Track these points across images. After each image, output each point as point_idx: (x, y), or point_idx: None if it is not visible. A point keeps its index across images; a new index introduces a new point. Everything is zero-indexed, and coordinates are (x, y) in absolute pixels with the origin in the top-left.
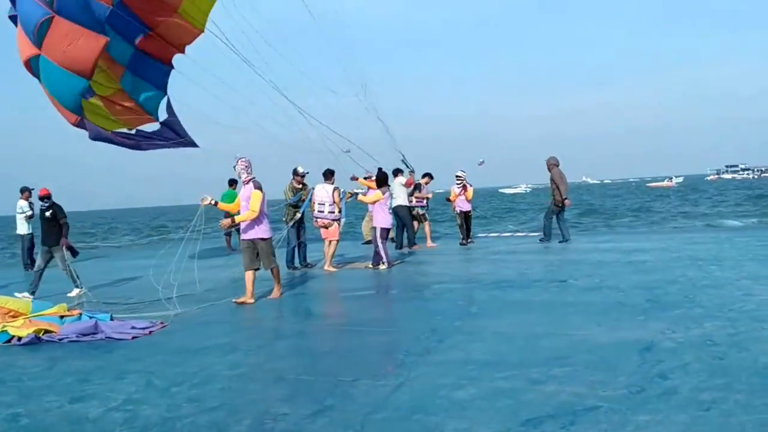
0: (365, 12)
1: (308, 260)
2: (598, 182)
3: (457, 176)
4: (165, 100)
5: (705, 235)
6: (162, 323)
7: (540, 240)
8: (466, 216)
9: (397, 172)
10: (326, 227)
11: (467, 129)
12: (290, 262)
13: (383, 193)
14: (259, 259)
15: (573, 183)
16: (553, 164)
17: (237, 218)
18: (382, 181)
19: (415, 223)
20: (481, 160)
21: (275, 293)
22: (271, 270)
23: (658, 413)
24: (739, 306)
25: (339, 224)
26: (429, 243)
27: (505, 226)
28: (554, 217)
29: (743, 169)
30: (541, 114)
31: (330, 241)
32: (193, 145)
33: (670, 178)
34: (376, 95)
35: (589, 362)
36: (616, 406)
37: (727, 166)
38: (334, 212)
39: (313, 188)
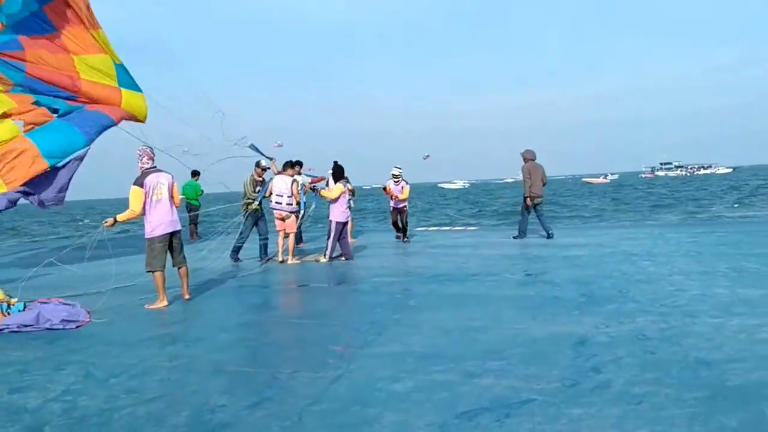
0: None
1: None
2: None
3: (393, 174)
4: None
5: (638, 231)
6: (88, 313)
7: (514, 237)
8: (400, 213)
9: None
10: (283, 219)
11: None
12: (234, 253)
13: (341, 188)
14: (174, 252)
15: (504, 181)
16: (527, 158)
17: (119, 217)
18: (339, 174)
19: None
20: (426, 154)
21: (185, 293)
22: (180, 268)
23: (591, 406)
24: (671, 301)
25: (297, 217)
26: (289, 258)
27: (444, 220)
28: (527, 213)
29: (677, 167)
30: (470, 109)
31: (287, 234)
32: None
33: (606, 175)
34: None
35: (524, 356)
36: (550, 400)
37: (661, 164)
38: (291, 204)
39: (271, 179)
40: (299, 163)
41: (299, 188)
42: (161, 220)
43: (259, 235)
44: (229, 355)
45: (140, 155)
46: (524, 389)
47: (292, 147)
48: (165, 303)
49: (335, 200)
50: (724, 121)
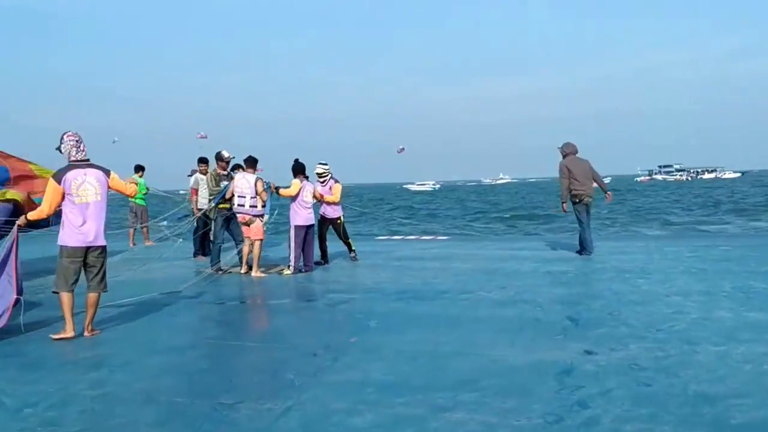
0: None
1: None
2: (517, 180)
3: (318, 173)
4: None
5: (631, 244)
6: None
7: (578, 252)
8: (334, 224)
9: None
10: (247, 224)
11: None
12: (215, 263)
13: (299, 186)
14: (90, 272)
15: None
16: (567, 152)
17: (30, 215)
18: (298, 169)
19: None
20: (400, 147)
21: (87, 328)
22: (90, 293)
23: None
24: (669, 325)
25: (262, 220)
26: (254, 269)
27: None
28: (585, 216)
29: (678, 170)
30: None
31: (253, 241)
32: None
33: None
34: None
35: (501, 387)
36: None
37: (660, 167)
38: (256, 206)
39: (231, 178)
40: (253, 161)
41: (264, 186)
42: (79, 229)
43: (234, 238)
44: (162, 382)
45: (67, 141)
46: (501, 425)
47: (246, 138)
48: (71, 333)
49: (294, 198)
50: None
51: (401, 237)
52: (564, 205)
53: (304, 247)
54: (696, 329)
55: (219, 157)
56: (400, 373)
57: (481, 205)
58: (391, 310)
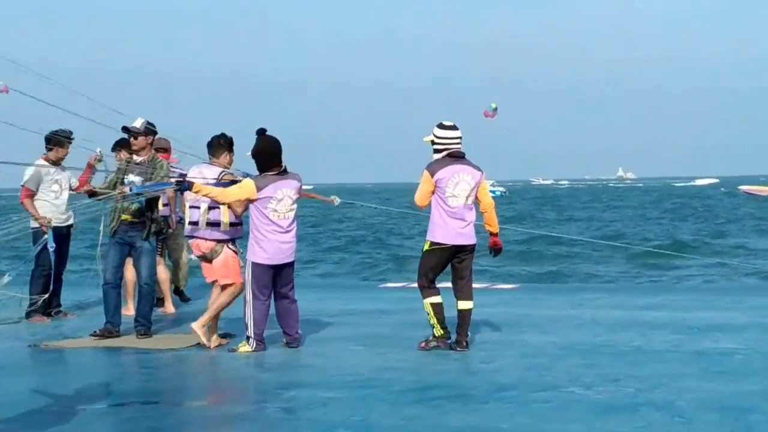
0: None
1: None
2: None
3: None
4: None
5: None
6: None
7: None
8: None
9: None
10: (207, 259)
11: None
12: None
13: (255, 186)
14: None
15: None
16: None
17: None
18: (261, 156)
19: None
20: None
21: None
22: None
23: None
24: None
25: (235, 249)
26: (167, 305)
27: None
28: None
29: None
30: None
31: (222, 286)
32: None
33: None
34: None
35: None
36: None
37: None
38: (219, 224)
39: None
40: (223, 144)
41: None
42: None
43: (173, 262)
44: None
45: None
46: None
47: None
48: None
49: (241, 211)
50: None
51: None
52: None
53: (278, 303)
54: None
55: (127, 130)
56: None
57: (578, 226)
58: (403, 423)
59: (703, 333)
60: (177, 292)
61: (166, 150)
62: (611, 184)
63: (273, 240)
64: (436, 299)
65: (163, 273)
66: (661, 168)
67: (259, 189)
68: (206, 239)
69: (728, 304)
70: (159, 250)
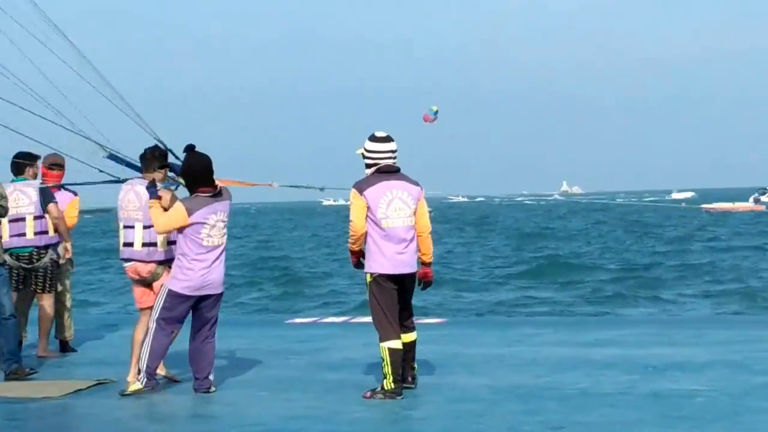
0: None
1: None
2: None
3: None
4: None
5: None
6: None
7: None
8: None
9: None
10: (146, 283)
11: None
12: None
13: (186, 210)
14: None
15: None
16: None
17: None
18: (190, 175)
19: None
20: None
21: None
22: None
23: None
24: None
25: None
26: (41, 346)
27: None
28: None
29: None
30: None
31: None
32: None
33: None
34: None
35: None
36: None
37: None
38: (155, 245)
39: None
40: (156, 157)
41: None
42: None
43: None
44: None
45: None
46: None
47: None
48: None
49: (182, 231)
50: None
51: (346, 318)
52: None
53: (193, 341)
54: None
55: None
56: None
57: (509, 243)
58: None
59: (660, 372)
60: (63, 346)
61: (61, 167)
62: (551, 200)
63: (199, 269)
64: (395, 344)
65: (50, 309)
66: (608, 182)
67: (190, 213)
68: (145, 261)
69: (687, 338)
70: (49, 283)
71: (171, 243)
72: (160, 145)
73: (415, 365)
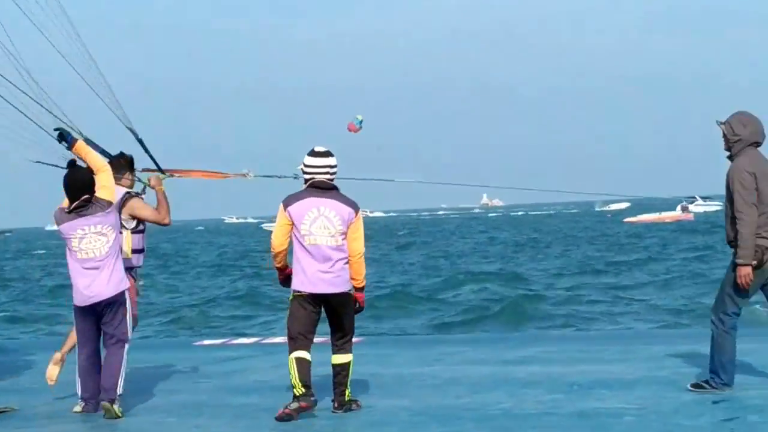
0: None
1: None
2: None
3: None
4: None
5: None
6: None
7: (710, 384)
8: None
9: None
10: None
11: None
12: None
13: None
14: None
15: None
16: (750, 140)
17: None
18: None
19: None
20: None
21: None
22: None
23: None
24: None
25: (135, 278)
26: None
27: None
28: (745, 298)
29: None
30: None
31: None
32: None
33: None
34: None
35: None
36: None
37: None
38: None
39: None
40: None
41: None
42: None
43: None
44: None
45: None
46: None
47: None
48: None
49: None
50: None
51: (256, 339)
52: (745, 270)
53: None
54: None
55: None
56: None
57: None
58: None
59: (586, 391)
60: None
61: None
62: (473, 213)
63: (77, 278)
64: (300, 354)
65: None
66: (531, 193)
67: (57, 224)
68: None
69: (614, 355)
70: None
71: (136, 252)
72: (133, 133)
73: (347, 391)
